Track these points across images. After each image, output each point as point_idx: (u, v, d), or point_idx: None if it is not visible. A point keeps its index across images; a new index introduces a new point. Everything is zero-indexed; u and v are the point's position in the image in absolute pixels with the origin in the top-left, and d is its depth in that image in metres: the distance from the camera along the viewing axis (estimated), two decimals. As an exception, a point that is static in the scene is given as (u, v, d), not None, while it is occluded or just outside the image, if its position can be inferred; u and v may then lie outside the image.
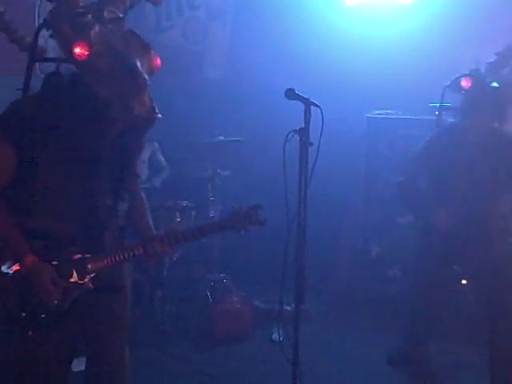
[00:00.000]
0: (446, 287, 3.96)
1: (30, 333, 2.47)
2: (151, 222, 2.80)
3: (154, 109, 2.33)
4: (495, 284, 3.75)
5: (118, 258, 2.58)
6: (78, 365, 2.86)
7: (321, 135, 2.86)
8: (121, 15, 2.36)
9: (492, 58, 3.94)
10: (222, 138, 5.27)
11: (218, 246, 5.42)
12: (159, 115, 2.35)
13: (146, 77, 2.30)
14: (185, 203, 5.00)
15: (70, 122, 2.35)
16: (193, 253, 5.28)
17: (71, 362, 2.68)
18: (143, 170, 5.56)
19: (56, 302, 2.47)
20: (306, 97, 2.85)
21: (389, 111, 5.53)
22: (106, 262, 2.56)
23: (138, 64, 2.27)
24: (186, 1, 6.42)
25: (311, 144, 2.84)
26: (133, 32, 2.36)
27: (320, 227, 5.42)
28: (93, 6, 2.31)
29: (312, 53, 5.70)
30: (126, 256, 2.61)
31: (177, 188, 5.28)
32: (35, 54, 2.59)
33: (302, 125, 2.85)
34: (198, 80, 6.21)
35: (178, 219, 4.92)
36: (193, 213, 5.10)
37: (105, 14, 2.28)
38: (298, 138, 2.85)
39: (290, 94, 2.86)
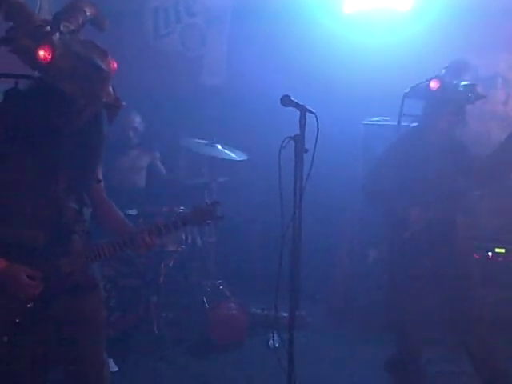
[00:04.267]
0: (421, 286, 3.96)
1: (5, 338, 2.51)
2: (125, 219, 2.93)
3: (118, 98, 2.57)
4: (457, 287, 3.85)
5: (113, 250, 2.71)
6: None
7: (316, 141, 2.86)
8: (74, 28, 2.60)
9: (442, 71, 4.05)
10: (219, 146, 5.26)
11: (214, 253, 5.41)
12: (124, 103, 2.57)
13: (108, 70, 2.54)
14: (181, 209, 4.99)
15: (31, 123, 2.49)
16: (189, 259, 5.28)
17: (48, 368, 2.70)
18: (141, 177, 5.55)
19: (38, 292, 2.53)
20: (301, 103, 2.86)
21: (386, 118, 5.53)
22: (105, 252, 2.69)
23: (99, 62, 2.51)
24: (184, 8, 6.43)
25: (306, 150, 2.84)
26: (91, 41, 2.58)
27: (318, 233, 5.44)
28: (49, 20, 2.54)
29: (309, 59, 5.70)
30: (118, 249, 2.73)
31: (173, 194, 5.27)
32: None
33: (298, 131, 2.87)
34: (195, 86, 6.21)
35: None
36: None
37: (61, 27, 2.50)
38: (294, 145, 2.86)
39: (286, 100, 2.87)
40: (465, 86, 3.94)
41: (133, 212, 4.84)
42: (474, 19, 5.50)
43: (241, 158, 5.31)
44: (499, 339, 3.94)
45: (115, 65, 2.58)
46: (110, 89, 2.55)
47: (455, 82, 3.97)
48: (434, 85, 3.91)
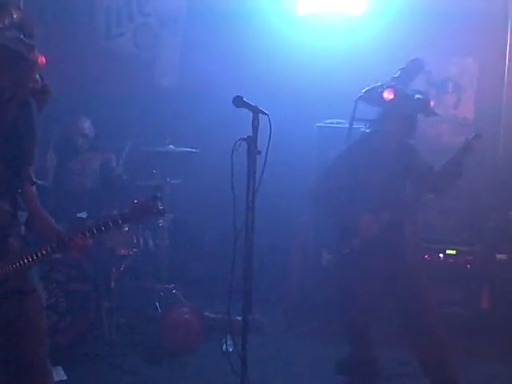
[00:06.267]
0: (371, 292, 3.98)
1: None
2: (55, 224, 2.78)
3: (46, 84, 2.55)
4: (408, 289, 3.88)
5: (35, 257, 2.56)
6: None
7: (269, 143, 2.84)
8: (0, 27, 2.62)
9: (397, 73, 4.09)
10: (172, 146, 5.20)
11: (167, 256, 5.33)
12: (52, 90, 2.55)
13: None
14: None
15: None
16: (141, 263, 5.19)
17: None
18: (92, 179, 5.41)
19: None
20: (253, 104, 2.83)
21: (340, 120, 5.55)
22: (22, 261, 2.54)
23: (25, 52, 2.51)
24: (137, 7, 6.34)
25: (259, 152, 2.82)
26: (18, 36, 2.57)
27: (271, 236, 5.44)
28: None
29: (263, 61, 5.70)
30: (45, 254, 2.58)
31: (124, 196, 5.17)
32: None
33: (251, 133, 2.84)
34: (148, 87, 6.14)
35: (126, 228, 4.81)
36: (140, 222, 5.00)
37: None
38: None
39: (238, 101, 2.84)
40: (419, 99, 3.94)
41: (83, 215, 4.73)
42: (425, 24, 5.60)
43: (193, 150, 5.27)
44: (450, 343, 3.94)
45: (43, 59, 2.56)
46: (37, 77, 2.53)
47: (409, 93, 3.97)
48: (387, 95, 3.90)
